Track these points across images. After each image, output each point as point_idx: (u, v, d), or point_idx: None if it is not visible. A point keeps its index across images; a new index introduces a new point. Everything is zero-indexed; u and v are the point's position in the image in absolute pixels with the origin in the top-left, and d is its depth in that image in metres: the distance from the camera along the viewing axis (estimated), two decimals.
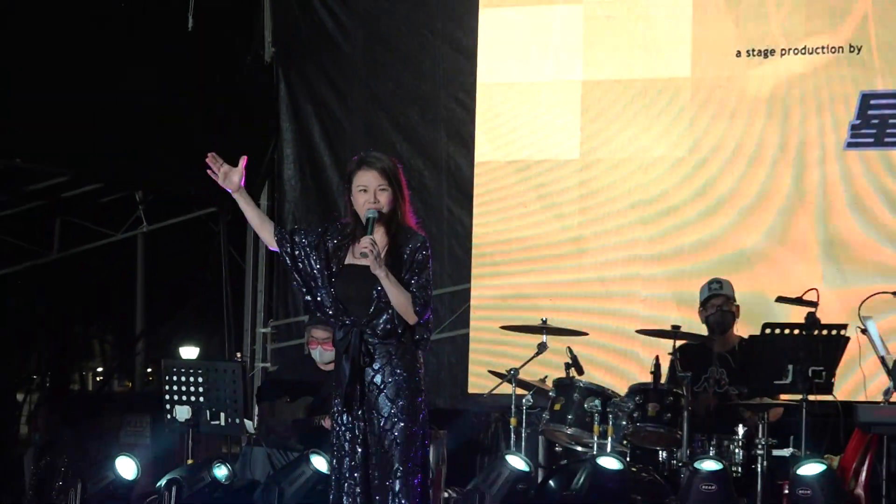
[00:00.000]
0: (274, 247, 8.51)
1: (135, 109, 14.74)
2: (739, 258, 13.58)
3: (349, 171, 8.53)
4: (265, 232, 8.52)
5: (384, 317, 8.35)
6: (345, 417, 8.38)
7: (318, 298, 8.45)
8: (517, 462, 10.49)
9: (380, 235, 8.33)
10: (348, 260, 8.43)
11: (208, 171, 8.41)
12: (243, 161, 8.39)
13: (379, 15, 15.51)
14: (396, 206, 8.40)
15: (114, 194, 16.37)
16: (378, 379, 8.36)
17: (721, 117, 13.88)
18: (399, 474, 8.34)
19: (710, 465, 10.32)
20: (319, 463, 10.33)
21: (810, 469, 10.28)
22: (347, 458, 8.39)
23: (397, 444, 8.33)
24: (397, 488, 8.30)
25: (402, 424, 8.40)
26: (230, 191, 8.35)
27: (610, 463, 10.43)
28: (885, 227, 13.34)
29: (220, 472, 11.17)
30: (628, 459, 10.82)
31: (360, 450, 8.37)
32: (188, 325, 17.62)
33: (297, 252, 8.46)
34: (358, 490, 8.37)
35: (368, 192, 8.37)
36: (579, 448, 11.09)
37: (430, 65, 15.29)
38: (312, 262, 8.45)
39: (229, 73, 15.77)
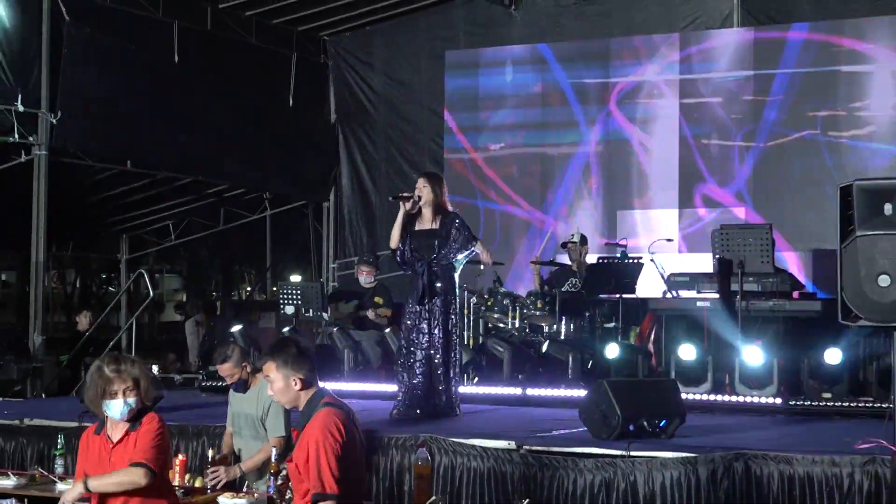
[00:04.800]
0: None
1: (262, 149, 14.75)
2: None
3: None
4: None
5: (441, 257, 8.32)
6: (418, 307, 8.32)
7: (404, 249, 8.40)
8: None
9: (430, 215, 8.33)
10: (416, 227, 8.39)
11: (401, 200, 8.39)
12: None
13: (391, 95, 15.35)
14: (437, 197, 8.34)
15: (251, 195, 16.34)
16: (438, 286, 8.34)
17: None
18: (453, 335, 8.44)
19: None
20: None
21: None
22: (418, 330, 8.33)
23: (450, 318, 8.38)
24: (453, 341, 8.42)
25: (452, 311, 8.40)
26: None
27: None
28: None
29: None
30: (527, 330, 10.83)
31: (430, 322, 8.33)
32: (293, 264, 17.64)
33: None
34: (424, 344, 8.33)
35: (417, 187, 8.35)
36: (501, 325, 10.78)
37: (419, 121, 15.16)
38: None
39: (312, 128, 15.69)
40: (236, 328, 11.32)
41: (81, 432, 8.01)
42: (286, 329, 11.33)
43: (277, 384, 4.68)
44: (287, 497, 4.87)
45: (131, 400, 4.91)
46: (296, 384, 4.79)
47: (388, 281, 12.30)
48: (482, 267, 9.47)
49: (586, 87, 13.98)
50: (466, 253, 8.51)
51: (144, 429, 4.90)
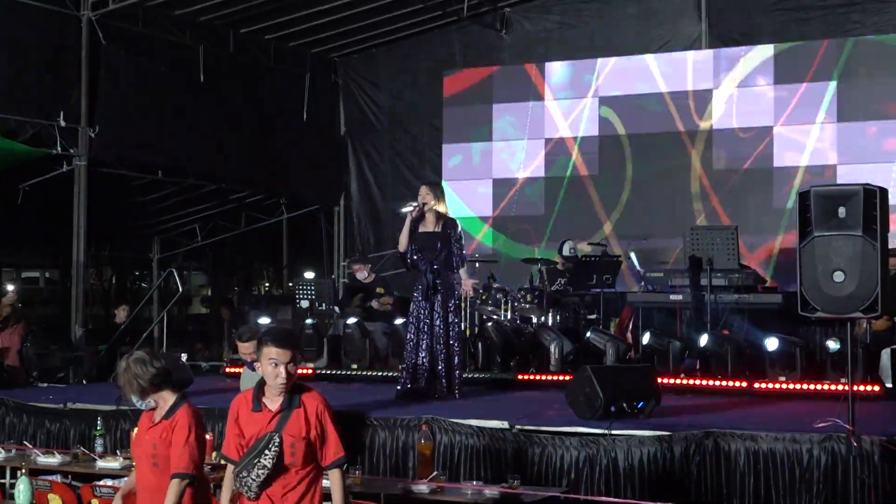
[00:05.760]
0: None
1: (279, 159, 14.72)
2: None
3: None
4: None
5: (442, 257, 8.35)
6: (423, 302, 8.39)
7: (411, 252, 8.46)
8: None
9: (433, 220, 8.36)
10: (420, 229, 8.42)
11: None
12: None
13: (395, 110, 15.31)
14: (438, 202, 8.41)
15: (269, 200, 16.28)
16: (439, 283, 8.35)
17: None
18: (454, 327, 8.45)
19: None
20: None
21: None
22: (421, 321, 8.39)
23: (450, 312, 8.40)
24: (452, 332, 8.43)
25: (451, 306, 8.42)
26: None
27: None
28: None
29: None
30: (518, 322, 10.77)
31: (433, 315, 8.38)
32: (307, 261, 17.57)
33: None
34: (427, 334, 8.37)
35: (421, 195, 8.41)
36: (494, 317, 10.73)
37: (419, 134, 15.10)
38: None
39: (325, 139, 15.65)
40: (264, 321, 11.33)
41: (119, 415, 8.08)
42: (309, 321, 11.30)
43: (293, 368, 4.61)
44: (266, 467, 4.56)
45: (132, 399, 4.90)
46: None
47: (389, 277, 12.31)
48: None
49: None
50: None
51: (176, 433, 4.80)
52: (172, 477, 4.71)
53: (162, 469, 4.78)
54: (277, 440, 4.50)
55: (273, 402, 4.60)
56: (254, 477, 4.49)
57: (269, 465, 4.48)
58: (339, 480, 4.61)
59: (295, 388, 4.61)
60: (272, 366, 4.55)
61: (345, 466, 4.66)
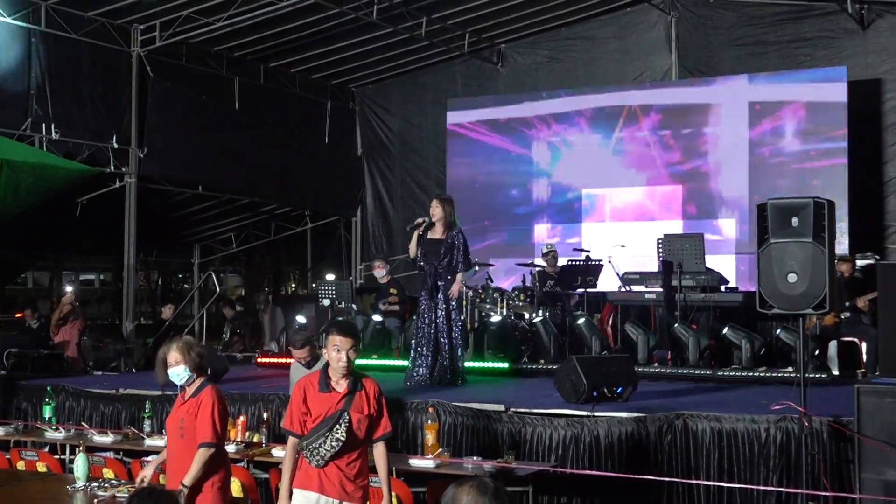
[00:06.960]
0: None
1: (304, 176, 14.74)
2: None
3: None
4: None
5: (444, 262, 8.32)
6: (428, 300, 8.38)
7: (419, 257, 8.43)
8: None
9: (441, 228, 8.35)
10: (429, 236, 8.40)
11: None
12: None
13: (405, 133, 15.32)
14: (447, 215, 8.37)
15: (296, 212, 16.25)
16: (441, 284, 8.34)
17: None
18: (456, 322, 8.41)
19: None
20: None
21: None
22: (427, 318, 8.38)
23: (452, 309, 8.37)
24: (455, 327, 8.40)
25: (453, 303, 8.39)
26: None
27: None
28: None
29: None
30: (512, 318, 10.71)
31: (436, 312, 8.37)
32: (329, 265, 17.57)
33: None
34: (432, 329, 8.36)
35: (432, 207, 8.41)
36: (493, 314, 10.60)
37: (426, 154, 15.10)
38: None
39: (343, 159, 15.67)
40: (301, 319, 11.34)
41: (164, 399, 8.10)
42: (339, 319, 11.28)
43: (353, 354, 4.61)
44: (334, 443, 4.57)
45: (180, 368, 4.91)
46: None
47: (401, 279, 12.28)
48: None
49: None
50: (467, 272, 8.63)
51: (202, 409, 4.85)
52: (199, 446, 4.78)
53: (187, 439, 4.86)
54: (347, 417, 4.55)
55: (339, 384, 4.65)
56: (327, 448, 4.53)
57: (342, 438, 4.53)
58: (385, 452, 4.74)
59: (355, 374, 4.67)
60: (335, 351, 4.61)
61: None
